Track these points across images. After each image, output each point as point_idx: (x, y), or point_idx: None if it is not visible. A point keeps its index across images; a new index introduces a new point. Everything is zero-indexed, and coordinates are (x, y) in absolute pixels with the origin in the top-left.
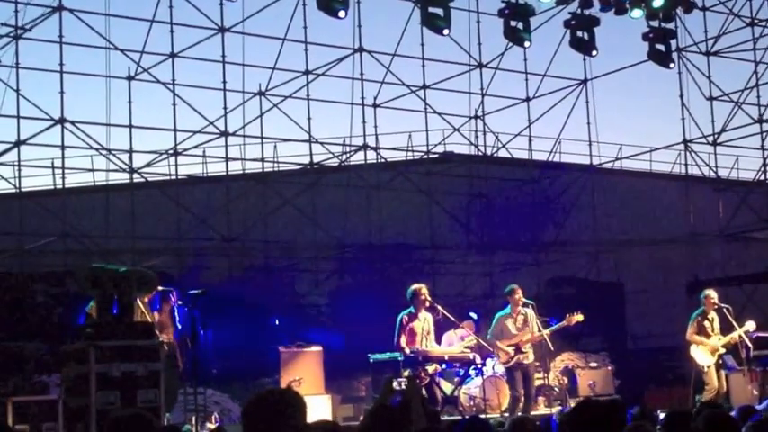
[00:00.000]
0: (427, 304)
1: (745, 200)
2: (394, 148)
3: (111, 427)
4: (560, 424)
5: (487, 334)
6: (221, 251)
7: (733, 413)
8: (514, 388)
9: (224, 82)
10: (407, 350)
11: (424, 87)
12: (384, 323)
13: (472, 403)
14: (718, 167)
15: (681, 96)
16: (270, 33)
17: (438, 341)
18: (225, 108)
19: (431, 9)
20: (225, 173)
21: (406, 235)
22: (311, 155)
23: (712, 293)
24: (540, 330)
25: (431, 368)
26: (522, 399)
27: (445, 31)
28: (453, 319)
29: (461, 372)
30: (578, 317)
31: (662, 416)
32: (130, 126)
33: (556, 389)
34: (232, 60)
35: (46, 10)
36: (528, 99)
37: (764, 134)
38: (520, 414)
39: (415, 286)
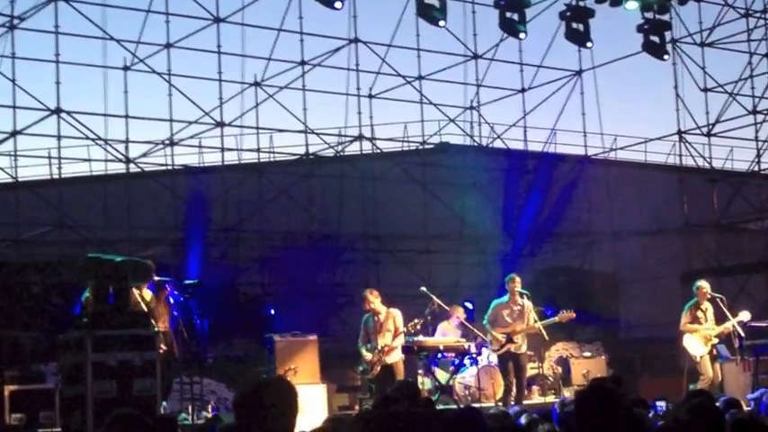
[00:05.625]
0: (368, 308)
1: (739, 190)
2: (389, 139)
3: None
4: (560, 413)
5: (483, 319)
6: (217, 241)
7: (718, 404)
8: (506, 377)
9: (220, 72)
10: (361, 348)
11: (420, 78)
12: None
13: (467, 392)
14: (712, 158)
15: (675, 87)
16: (265, 24)
17: (433, 332)
18: (221, 98)
19: (426, 0)
20: (221, 163)
21: (402, 225)
22: (307, 145)
23: (705, 284)
24: (535, 321)
25: (390, 359)
26: (514, 388)
27: (441, 22)
28: (445, 307)
29: (456, 361)
30: (570, 314)
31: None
32: (126, 116)
33: (550, 378)
34: (228, 51)
35: (41, 0)
36: (523, 90)
37: (758, 125)
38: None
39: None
